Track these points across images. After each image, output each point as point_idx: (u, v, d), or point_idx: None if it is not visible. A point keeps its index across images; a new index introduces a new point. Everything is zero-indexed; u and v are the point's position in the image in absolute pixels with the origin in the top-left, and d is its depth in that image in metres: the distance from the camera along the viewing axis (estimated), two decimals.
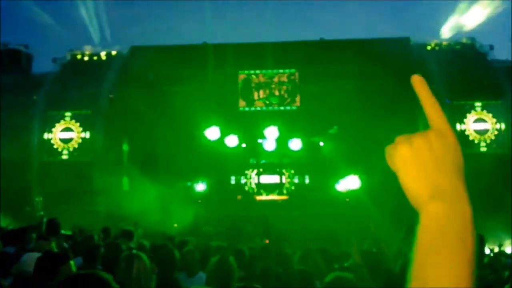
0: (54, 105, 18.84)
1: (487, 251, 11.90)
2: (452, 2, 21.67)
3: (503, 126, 18.54)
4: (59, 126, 18.71)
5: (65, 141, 18.67)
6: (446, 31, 20.97)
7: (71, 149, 18.61)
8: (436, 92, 15.80)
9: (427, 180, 0.76)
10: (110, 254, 4.73)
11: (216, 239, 10.30)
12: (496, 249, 13.12)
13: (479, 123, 18.67)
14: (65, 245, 6.38)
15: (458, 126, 18.49)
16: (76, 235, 8.07)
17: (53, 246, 4.67)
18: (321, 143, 18.80)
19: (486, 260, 7.39)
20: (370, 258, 4.76)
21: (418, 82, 0.86)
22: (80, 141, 18.73)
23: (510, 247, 13.82)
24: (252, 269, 4.78)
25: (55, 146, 18.61)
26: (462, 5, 21.26)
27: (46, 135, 18.62)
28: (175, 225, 15.23)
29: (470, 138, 18.48)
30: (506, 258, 8.96)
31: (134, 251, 4.60)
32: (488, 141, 18.48)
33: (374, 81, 17.97)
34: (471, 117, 18.74)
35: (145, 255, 4.02)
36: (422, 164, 0.77)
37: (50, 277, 3.12)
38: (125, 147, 19.04)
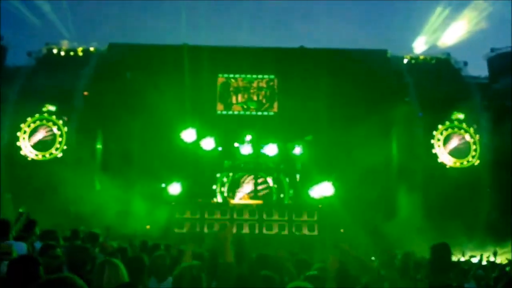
0: (26, 100, 18.37)
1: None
2: (430, 17, 22.20)
3: (471, 139, 19.14)
4: (29, 128, 18.41)
5: (39, 148, 18.37)
6: (422, 45, 21.47)
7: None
8: (410, 105, 16.19)
9: None
10: (77, 257, 4.58)
11: (188, 242, 10.23)
12: (463, 258, 13.54)
13: (452, 141, 19.14)
14: (38, 244, 6.19)
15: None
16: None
17: (13, 249, 4.50)
18: (298, 149, 18.83)
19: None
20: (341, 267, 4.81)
21: None
22: (52, 138, 18.37)
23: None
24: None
25: (29, 158, 18.33)
26: (439, 21, 21.84)
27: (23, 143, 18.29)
28: (148, 226, 15.05)
29: (447, 166, 18.92)
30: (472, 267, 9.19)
31: (111, 258, 4.45)
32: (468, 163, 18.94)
33: (351, 91, 18.25)
34: (439, 136, 19.15)
35: (119, 261, 3.91)
36: None
37: (22, 281, 3.06)
38: (99, 145, 18.72)
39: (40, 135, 18.54)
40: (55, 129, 18.62)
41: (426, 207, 16.75)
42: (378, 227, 15.80)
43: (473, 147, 19.03)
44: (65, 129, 18.54)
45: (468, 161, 18.98)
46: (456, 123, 19.25)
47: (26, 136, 18.47)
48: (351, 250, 5.49)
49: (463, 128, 19.23)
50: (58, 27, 21.54)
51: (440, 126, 19.11)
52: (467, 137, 19.16)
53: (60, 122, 18.62)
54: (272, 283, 3.82)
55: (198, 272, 3.62)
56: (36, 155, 18.40)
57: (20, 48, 20.87)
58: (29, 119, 18.43)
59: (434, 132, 19.03)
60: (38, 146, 18.47)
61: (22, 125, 18.42)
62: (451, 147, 19.12)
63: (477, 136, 19.04)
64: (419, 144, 18.76)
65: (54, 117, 18.62)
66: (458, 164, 18.92)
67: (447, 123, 19.20)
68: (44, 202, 15.26)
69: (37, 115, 18.56)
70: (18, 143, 18.40)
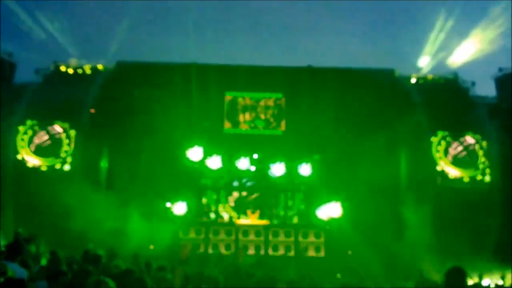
0: (34, 116, 18.40)
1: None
2: (438, 38, 22.19)
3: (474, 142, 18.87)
4: (35, 139, 18.35)
5: (41, 153, 18.25)
6: (428, 63, 21.41)
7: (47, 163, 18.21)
8: (419, 125, 15.91)
9: None
10: (81, 281, 4.46)
11: (193, 263, 10.02)
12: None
13: (451, 149, 18.79)
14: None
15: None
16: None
17: (8, 268, 4.35)
18: (306, 168, 18.58)
19: None
20: None
21: None
22: (58, 154, 18.31)
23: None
24: None
25: (30, 165, 18.18)
26: (447, 41, 21.82)
27: (22, 151, 18.19)
28: (151, 246, 14.82)
29: (452, 176, 18.51)
30: None
31: (102, 276, 4.37)
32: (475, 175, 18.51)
33: (358, 110, 18.16)
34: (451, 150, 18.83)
35: (112, 281, 3.83)
36: None
37: None
38: (104, 163, 18.59)
39: (41, 139, 18.39)
40: (59, 129, 18.43)
41: (435, 226, 16.42)
42: (387, 247, 15.47)
43: (480, 154, 18.61)
44: (73, 133, 18.40)
45: (473, 171, 18.50)
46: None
47: (26, 140, 18.30)
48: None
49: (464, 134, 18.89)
50: (66, 45, 21.71)
51: (438, 134, 18.78)
52: (469, 139, 18.78)
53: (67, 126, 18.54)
54: None
55: None
56: (40, 158, 18.12)
57: (28, 65, 20.97)
58: (28, 122, 18.28)
59: (432, 139, 18.64)
60: (40, 151, 18.29)
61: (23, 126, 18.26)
62: (452, 155, 18.72)
63: (482, 151, 18.73)
64: (428, 164, 18.50)
65: (59, 135, 18.53)
66: (462, 175, 18.46)
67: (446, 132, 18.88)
68: (46, 219, 15.09)
69: (39, 128, 18.48)
70: (22, 157, 18.23)
